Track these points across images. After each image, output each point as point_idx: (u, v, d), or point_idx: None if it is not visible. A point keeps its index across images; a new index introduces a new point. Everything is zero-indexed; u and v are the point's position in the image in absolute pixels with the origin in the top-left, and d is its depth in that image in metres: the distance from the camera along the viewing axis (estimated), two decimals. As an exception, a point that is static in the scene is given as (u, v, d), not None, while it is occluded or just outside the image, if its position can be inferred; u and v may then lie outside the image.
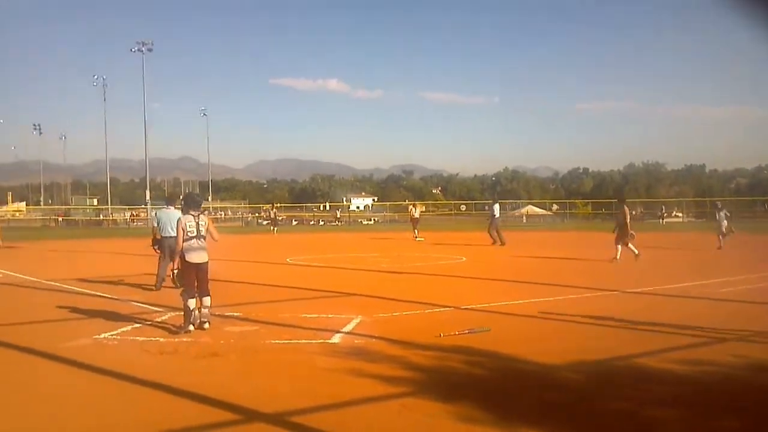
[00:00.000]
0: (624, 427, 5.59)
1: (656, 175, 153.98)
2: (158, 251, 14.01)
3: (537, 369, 7.32)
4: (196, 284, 9.48)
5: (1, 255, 23.91)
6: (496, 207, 29.66)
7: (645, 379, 6.97)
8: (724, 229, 25.75)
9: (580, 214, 78.69)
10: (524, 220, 75.02)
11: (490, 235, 28.29)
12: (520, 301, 11.96)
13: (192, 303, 9.34)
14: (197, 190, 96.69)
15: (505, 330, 9.40)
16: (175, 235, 13.61)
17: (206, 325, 9.46)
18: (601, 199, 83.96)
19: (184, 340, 8.87)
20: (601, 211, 73.41)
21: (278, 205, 64.67)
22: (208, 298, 9.62)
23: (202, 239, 9.60)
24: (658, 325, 9.30)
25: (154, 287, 13.90)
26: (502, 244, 27.43)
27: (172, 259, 11.37)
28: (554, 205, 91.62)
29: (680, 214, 71.45)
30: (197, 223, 9.58)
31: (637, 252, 19.60)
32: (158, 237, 13.90)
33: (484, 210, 76.14)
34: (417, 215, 36.32)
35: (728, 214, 26.60)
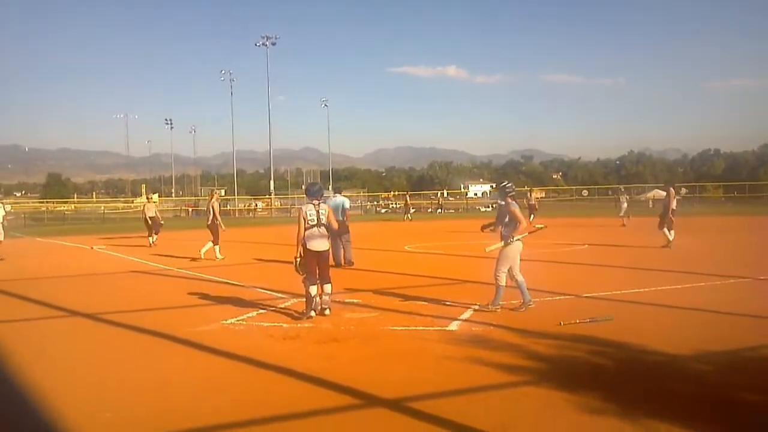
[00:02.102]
0: (754, 419, 5.31)
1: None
2: None
3: (662, 359, 7.05)
4: (317, 272, 9.72)
5: (133, 243, 25.37)
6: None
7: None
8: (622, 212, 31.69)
9: (710, 197, 74.79)
10: (650, 205, 71.85)
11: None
12: (644, 290, 11.53)
13: (314, 290, 9.58)
14: (319, 180, 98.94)
15: (628, 319, 9.10)
16: (341, 219, 15.85)
17: (327, 312, 9.68)
18: (733, 181, 79.48)
19: (306, 325, 9.13)
20: (733, 195, 69.55)
21: (409, 192, 64.86)
22: (329, 285, 9.84)
23: (323, 227, 9.81)
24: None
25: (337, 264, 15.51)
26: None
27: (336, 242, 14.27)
28: (682, 188, 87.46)
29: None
30: (318, 212, 9.79)
31: (671, 240, 19.09)
32: None
33: (608, 195, 73.91)
34: (533, 201, 35.75)
35: (628, 198, 33.72)
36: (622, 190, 35.89)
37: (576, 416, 5.32)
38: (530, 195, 37.06)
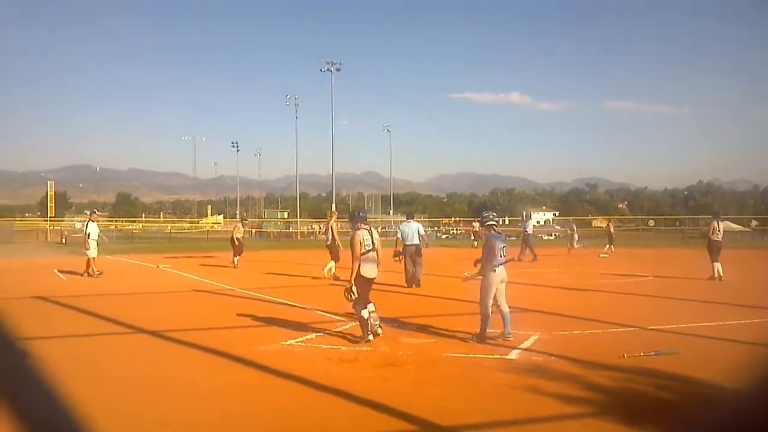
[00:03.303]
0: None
1: None
2: (399, 259, 17.22)
3: (728, 395, 6.78)
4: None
5: (193, 263, 25.86)
6: (530, 224, 31.79)
7: None
8: (575, 243, 35.74)
9: (782, 230, 72.15)
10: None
11: (530, 251, 29.17)
12: (711, 323, 11.18)
13: (365, 313, 9.62)
14: (380, 204, 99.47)
15: (694, 353, 8.83)
16: (417, 243, 17.35)
17: (379, 330, 9.77)
18: (808, 214, 76.56)
19: (364, 349, 9.14)
20: (806, 227, 66.93)
21: (476, 219, 64.91)
22: (372, 304, 9.87)
23: (375, 252, 9.86)
24: None
25: (410, 285, 17.14)
26: (534, 259, 28.40)
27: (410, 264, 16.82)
28: (753, 220, 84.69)
29: None
30: (372, 237, 9.85)
31: (717, 274, 18.71)
32: (400, 249, 17.45)
33: (675, 226, 72.18)
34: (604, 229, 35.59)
35: (575, 227, 38.44)
36: (570, 221, 40.66)
37: (638, 451, 5.17)
38: (609, 225, 36.83)
